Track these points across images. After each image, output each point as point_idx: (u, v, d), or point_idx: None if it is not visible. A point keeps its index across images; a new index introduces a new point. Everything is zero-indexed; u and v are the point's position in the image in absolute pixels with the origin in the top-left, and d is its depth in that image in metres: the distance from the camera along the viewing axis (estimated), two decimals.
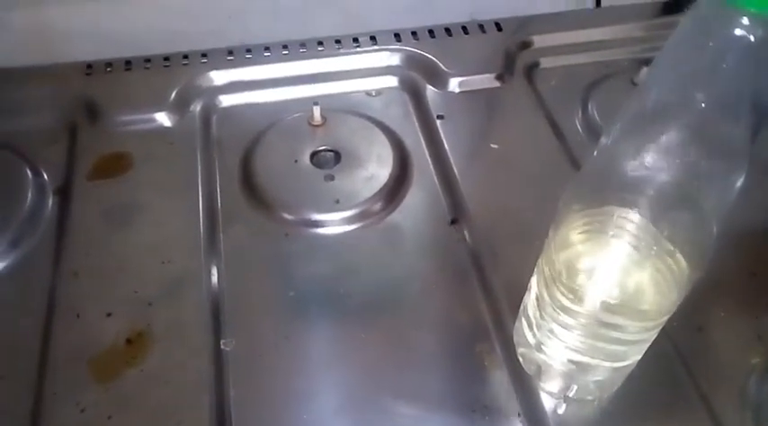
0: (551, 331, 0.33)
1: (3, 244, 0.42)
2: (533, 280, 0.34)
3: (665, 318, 0.30)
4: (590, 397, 0.36)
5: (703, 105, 0.23)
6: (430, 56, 0.55)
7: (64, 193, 0.45)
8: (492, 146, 0.49)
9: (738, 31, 0.21)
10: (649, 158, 0.25)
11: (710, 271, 0.41)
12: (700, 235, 0.27)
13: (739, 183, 0.25)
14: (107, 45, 0.53)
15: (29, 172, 0.46)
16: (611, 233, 0.28)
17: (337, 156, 0.48)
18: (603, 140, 0.27)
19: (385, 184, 0.46)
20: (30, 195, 0.45)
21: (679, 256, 0.27)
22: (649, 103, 0.25)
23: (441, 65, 0.54)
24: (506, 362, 0.38)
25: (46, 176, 0.46)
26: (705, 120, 0.23)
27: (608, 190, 0.28)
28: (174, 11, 0.54)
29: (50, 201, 0.45)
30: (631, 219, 0.28)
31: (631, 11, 0.60)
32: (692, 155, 0.24)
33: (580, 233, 0.30)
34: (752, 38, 0.21)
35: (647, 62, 0.54)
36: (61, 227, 0.43)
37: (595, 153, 0.28)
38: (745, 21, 0.21)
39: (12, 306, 0.39)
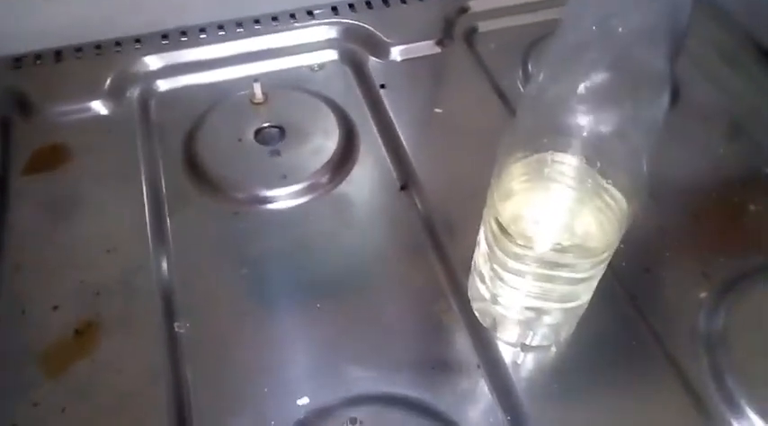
0: (503, 280, 0.33)
1: None
2: (481, 234, 0.34)
3: (611, 252, 0.31)
4: (546, 343, 0.36)
5: (619, 32, 0.23)
6: (369, 26, 0.54)
7: (0, 189, 0.44)
8: (436, 111, 0.49)
9: None
10: (575, 98, 0.26)
11: (655, 215, 0.43)
12: (632, 166, 0.27)
13: (663, 110, 0.25)
14: (36, 39, 0.51)
15: None
16: (549, 177, 0.28)
17: (282, 132, 0.47)
18: (531, 86, 0.27)
19: (332, 156, 0.46)
20: None
21: (615, 190, 0.28)
22: (569, 41, 0.25)
23: (380, 35, 0.54)
24: (463, 318, 0.38)
25: None
26: (623, 50, 0.24)
27: (541, 135, 0.28)
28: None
29: None
30: (566, 161, 0.28)
31: None
32: (614, 87, 0.25)
33: (520, 181, 0.30)
34: None
35: None
36: (1, 223, 0.42)
37: (525, 99, 0.28)
38: None
39: None
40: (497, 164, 0.30)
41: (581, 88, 0.25)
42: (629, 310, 0.38)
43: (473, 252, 0.37)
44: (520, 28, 0.56)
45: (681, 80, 0.52)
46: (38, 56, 0.51)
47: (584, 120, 0.26)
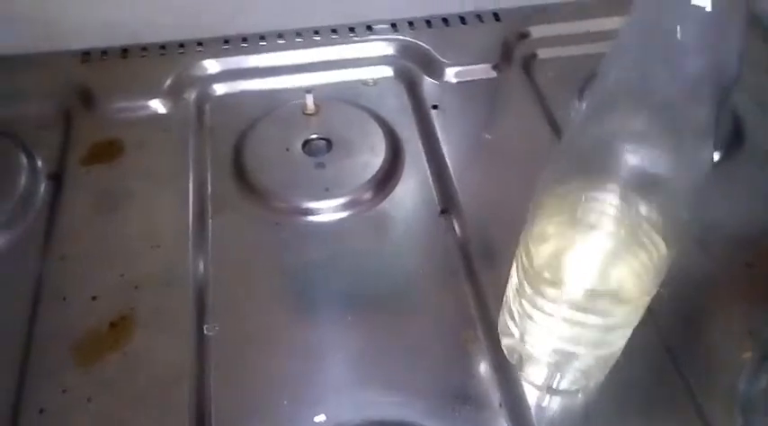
0: (532, 319, 0.32)
1: None
2: (513, 269, 0.33)
3: (647, 300, 0.29)
4: (574, 387, 0.35)
5: (664, 84, 0.22)
6: (426, 45, 0.54)
7: (57, 178, 0.46)
8: (486, 136, 0.49)
9: (693, 2, 0.20)
10: (616, 139, 0.25)
11: (704, 262, 0.41)
12: (673, 211, 0.26)
13: (708, 159, 0.24)
14: (106, 34, 0.53)
15: (23, 156, 0.46)
16: (586, 218, 0.27)
17: (329, 144, 0.48)
18: (573, 124, 0.27)
19: (376, 173, 0.46)
20: (23, 179, 0.45)
21: (655, 235, 0.27)
22: (612, 82, 0.24)
23: (437, 54, 0.53)
24: (490, 351, 0.37)
25: (39, 161, 0.46)
26: (665, 97, 0.23)
27: (580, 174, 0.27)
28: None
29: (43, 186, 0.45)
30: (606, 202, 0.27)
31: None
32: (656, 132, 0.24)
33: (556, 219, 0.30)
34: (707, 8, 0.20)
35: None
36: (52, 212, 0.44)
37: (566, 137, 0.28)
38: None
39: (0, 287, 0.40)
40: (534, 199, 0.30)
41: (622, 130, 0.25)
42: (666, 361, 0.37)
43: (506, 283, 0.36)
44: (580, 58, 0.55)
45: (744, 119, 0.50)
46: (104, 52, 0.53)
47: (624, 162, 0.25)
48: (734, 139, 0.49)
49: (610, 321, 0.30)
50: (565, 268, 0.29)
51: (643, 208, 0.26)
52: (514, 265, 0.33)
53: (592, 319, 0.30)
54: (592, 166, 0.26)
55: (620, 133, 0.24)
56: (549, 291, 0.30)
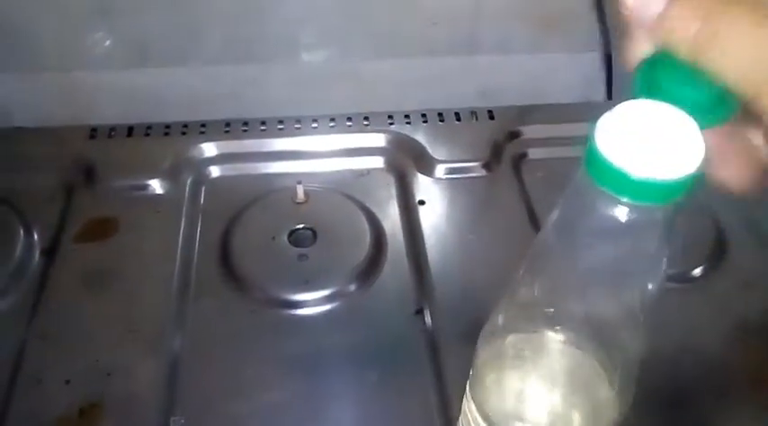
0: None
1: None
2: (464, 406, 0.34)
3: None
4: None
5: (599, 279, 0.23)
6: (419, 140, 0.56)
7: (50, 254, 0.48)
8: (469, 236, 0.50)
9: (614, 213, 0.21)
10: (560, 295, 0.26)
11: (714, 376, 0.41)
12: (618, 354, 0.27)
13: (638, 348, 0.25)
14: (115, 113, 0.56)
15: (21, 229, 0.48)
16: (526, 357, 0.28)
17: (314, 235, 0.49)
18: (521, 272, 0.28)
19: (356, 267, 0.47)
20: (18, 251, 0.47)
21: (598, 376, 0.27)
22: (554, 245, 0.25)
23: (428, 150, 0.55)
24: None
25: (36, 235, 0.48)
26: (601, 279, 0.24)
27: (520, 323, 0.28)
28: (196, 77, 0.57)
29: (36, 260, 0.47)
30: (543, 342, 0.28)
31: None
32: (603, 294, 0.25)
33: (496, 367, 0.30)
34: (625, 219, 0.21)
35: None
36: (41, 288, 0.45)
37: (516, 281, 0.28)
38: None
39: None
40: (480, 340, 0.30)
41: (569, 286, 0.26)
42: None
43: None
44: (571, 159, 0.56)
45: (726, 232, 0.50)
46: (112, 129, 0.55)
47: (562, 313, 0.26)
48: (716, 251, 0.49)
49: None
50: (506, 409, 0.30)
51: (585, 348, 0.26)
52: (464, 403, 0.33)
53: None
54: (529, 316, 0.27)
55: (563, 291, 0.25)
56: None
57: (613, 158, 0.20)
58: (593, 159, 0.20)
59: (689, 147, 0.20)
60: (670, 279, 0.47)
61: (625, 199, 0.20)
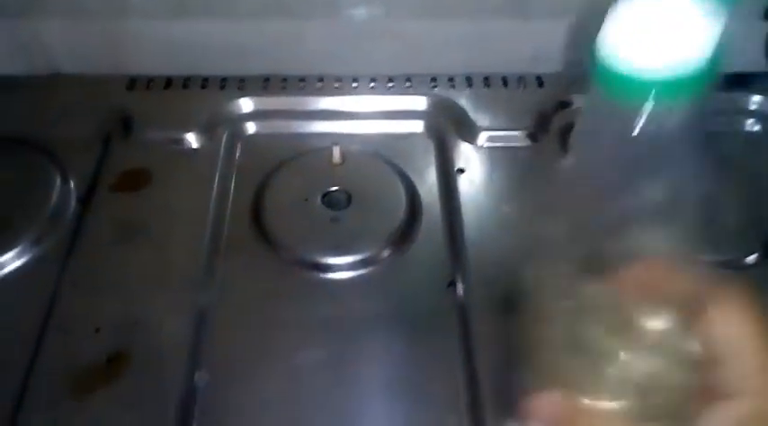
0: None
1: (24, 243, 0.45)
2: None
3: None
4: None
5: None
6: (462, 105, 0.54)
7: (85, 203, 0.48)
8: (505, 209, 0.48)
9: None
10: None
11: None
12: None
13: None
14: (154, 63, 0.55)
15: (58, 178, 0.48)
16: None
17: (348, 198, 0.48)
18: None
19: (389, 234, 0.46)
20: (54, 199, 0.47)
21: None
22: None
23: (471, 116, 0.53)
24: None
25: (73, 184, 0.48)
26: None
27: None
28: (237, 30, 0.55)
29: (72, 209, 0.47)
30: None
31: None
32: None
33: None
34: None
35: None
36: (75, 236, 0.46)
37: None
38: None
39: (12, 309, 0.42)
40: None
41: None
42: None
43: (497, 366, 0.35)
44: None
45: None
46: (150, 79, 0.55)
47: None
48: None
49: None
50: None
51: None
52: None
53: None
54: None
55: None
56: None
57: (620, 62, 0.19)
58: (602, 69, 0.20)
59: (695, 37, 0.19)
60: (719, 265, 0.45)
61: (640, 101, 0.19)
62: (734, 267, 0.45)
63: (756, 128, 0.54)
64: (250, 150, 0.52)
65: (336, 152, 0.49)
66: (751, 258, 0.45)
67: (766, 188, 0.49)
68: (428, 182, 0.50)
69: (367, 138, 0.52)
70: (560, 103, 0.54)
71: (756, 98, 0.54)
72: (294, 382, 0.39)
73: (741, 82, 0.56)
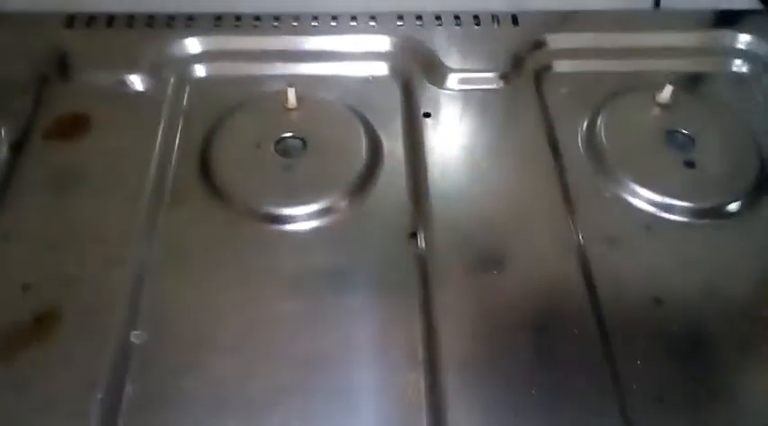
0: None
1: None
2: None
3: None
4: None
5: None
6: (430, 45, 0.50)
7: (18, 149, 0.44)
8: (476, 154, 0.44)
9: None
10: None
11: (738, 324, 0.37)
12: None
13: None
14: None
15: None
16: None
17: (304, 145, 0.44)
18: None
19: (347, 182, 0.43)
20: None
21: None
22: None
23: (440, 56, 0.49)
24: (426, 402, 0.34)
25: (3, 130, 0.44)
26: None
27: None
28: None
29: (2, 156, 0.43)
30: None
31: (686, 17, 0.53)
32: None
33: None
34: None
35: (675, 79, 0.47)
36: (6, 186, 0.42)
37: None
38: None
39: None
40: None
41: None
42: None
43: (458, 320, 0.33)
44: (600, 74, 0.50)
45: None
46: (91, 17, 0.50)
47: None
48: (758, 185, 0.43)
49: None
50: None
51: None
52: None
53: None
54: None
55: None
56: None
57: None
58: None
59: None
60: (701, 213, 0.42)
61: None
62: (716, 215, 0.42)
63: (744, 69, 0.50)
64: (199, 94, 0.48)
65: (291, 94, 0.45)
66: (734, 206, 0.42)
67: (752, 133, 0.46)
68: (392, 128, 0.46)
69: (326, 81, 0.49)
70: (536, 43, 0.50)
71: (745, 37, 0.51)
72: (242, 340, 0.36)
73: (730, 20, 0.53)
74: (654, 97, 0.47)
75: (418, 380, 0.35)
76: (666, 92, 0.46)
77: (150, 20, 0.50)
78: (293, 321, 0.37)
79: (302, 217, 0.41)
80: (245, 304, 0.38)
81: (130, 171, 0.43)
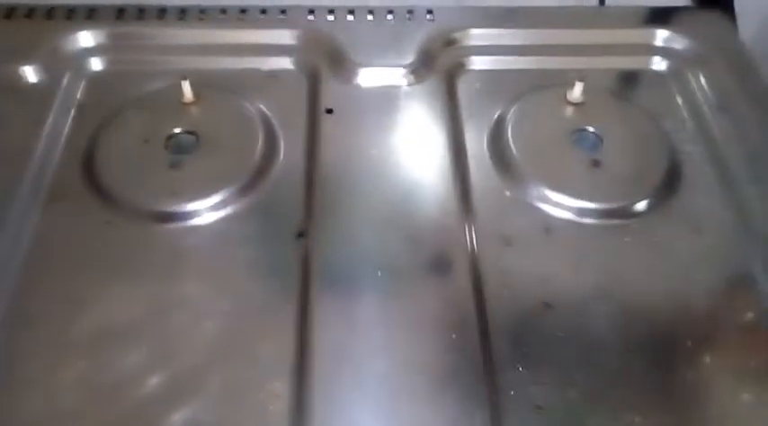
0: None
1: None
2: None
3: None
4: None
5: None
6: (339, 39, 0.48)
7: None
8: (372, 152, 0.43)
9: None
10: None
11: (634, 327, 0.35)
12: None
13: None
14: None
15: None
16: None
17: (196, 141, 0.42)
18: None
19: (236, 180, 0.41)
20: None
21: None
22: None
23: (348, 51, 0.47)
24: (290, 413, 0.32)
25: None
26: None
27: None
28: None
29: None
30: None
31: (622, 14, 0.51)
32: None
33: None
34: None
35: (594, 76, 0.46)
36: None
37: None
38: None
39: None
40: None
41: None
42: None
43: (336, 328, 0.31)
44: (516, 72, 0.48)
45: (683, 164, 0.42)
46: None
47: None
48: (666, 184, 0.42)
49: None
50: None
51: None
52: None
53: None
54: None
55: None
56: None
57: None
58: None
59: None
60: (604, 214, 0.40)
61: None
62: (620, 216, 0.40)
63: (663, 66, 0.49)
64: (96, 87, 0.46)
65: (186, 88, 0.44)
66: (639, 206, 0.41)
67: (663, 132, 0.44)
68: (294, 124, 0.44)
69: (229, 76, 0.47)
70: (451, 38, 0.49)
71: (663, 34, 0.49)
72: (109, 345, 0.34)
73: (661, 17, 0.51)
74: (565, 95, 0.45)
75: (284, 388, 0.33)
76: (577, 89, 0.44)
77: (50, 12, 0.49)
78: (167, 323, 0.35)
79: (184, 216, 0.39)
80: (116, 304, 0.36)
81: (8, 166, 0.41)
